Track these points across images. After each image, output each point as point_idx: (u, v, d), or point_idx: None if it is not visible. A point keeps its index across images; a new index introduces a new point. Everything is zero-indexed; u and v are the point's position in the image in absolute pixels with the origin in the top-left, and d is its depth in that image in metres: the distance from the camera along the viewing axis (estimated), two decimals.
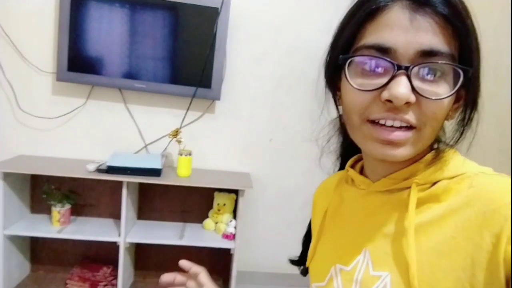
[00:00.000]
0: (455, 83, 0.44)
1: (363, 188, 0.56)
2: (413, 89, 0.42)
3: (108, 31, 1.91)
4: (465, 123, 0.48)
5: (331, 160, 0.65)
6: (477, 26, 0.46)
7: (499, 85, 2.17)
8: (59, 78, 1.92)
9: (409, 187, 0.49)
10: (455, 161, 0.49)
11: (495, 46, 2.03)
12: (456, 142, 0.49)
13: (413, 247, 0.45)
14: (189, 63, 2.01)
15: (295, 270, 0.69)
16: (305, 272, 0.66)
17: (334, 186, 0.62)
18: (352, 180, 0.59)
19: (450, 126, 0.50)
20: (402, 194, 0.50)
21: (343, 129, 0.59)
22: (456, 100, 0.47)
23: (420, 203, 0.47)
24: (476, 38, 0.45)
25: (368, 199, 0.54)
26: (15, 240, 1.93)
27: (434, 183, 0.48)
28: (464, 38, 0.43)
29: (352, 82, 0.45)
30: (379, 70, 0.44)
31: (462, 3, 0.44)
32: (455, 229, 0.43)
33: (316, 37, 2.09)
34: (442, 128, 0.49)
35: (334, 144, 0.63)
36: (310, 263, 0.63)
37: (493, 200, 0.42)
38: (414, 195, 0.47)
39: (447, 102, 0.44)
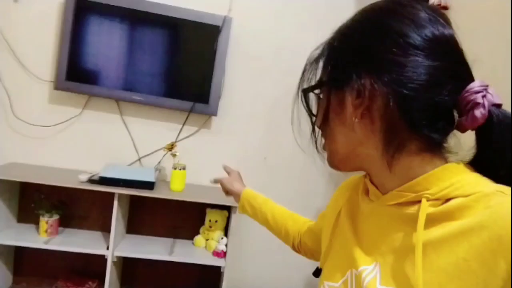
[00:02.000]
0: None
1: (373, 200, 0.57)
2: None
3: (109, 43, 1.93)
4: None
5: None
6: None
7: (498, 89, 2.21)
8: (57, 87, 1.92)
9: (419, 201, 0.48)
10: (470, 178, 0.47)
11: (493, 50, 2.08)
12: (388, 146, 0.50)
13: (420, 266, 0.44)
14: (188, 78, 2.03)
15: None
16: (317, 273, 0.66)
17: (353, 185, 0.66)
18: (367, 190, 0.60)
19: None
20: (412, 208, 0.49)
21: None
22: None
23: (432, 219, 0.46)
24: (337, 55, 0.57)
25: (379, 211, 0.55)
26: None
27: (447, 200, 0.46)
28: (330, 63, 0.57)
29: None
30: None
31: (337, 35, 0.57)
32: (468, 251, 0.42)
33: None
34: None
35: None
36: (324, 262, 0.64)
37: (510, 223, 0.40)
38: (424, 211, 0.46)
39: (329, 118, 0.57)
